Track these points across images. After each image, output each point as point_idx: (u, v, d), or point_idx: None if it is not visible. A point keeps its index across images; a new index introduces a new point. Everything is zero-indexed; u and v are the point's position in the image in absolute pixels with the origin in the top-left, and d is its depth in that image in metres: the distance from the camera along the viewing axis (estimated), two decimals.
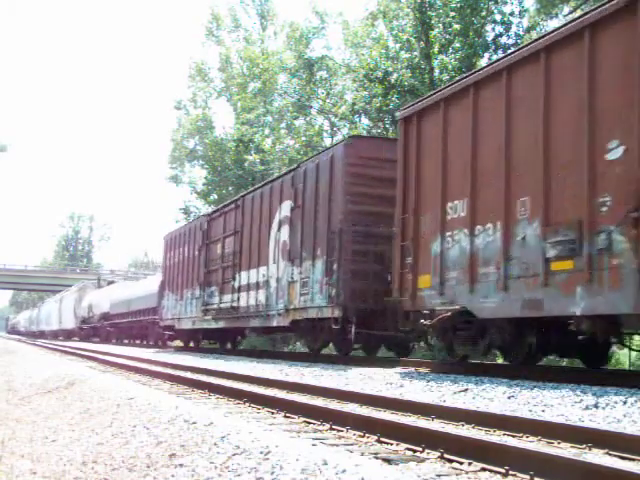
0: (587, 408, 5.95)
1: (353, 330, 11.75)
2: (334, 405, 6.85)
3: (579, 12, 21.84)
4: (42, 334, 64.31)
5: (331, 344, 14.66)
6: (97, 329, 41.45)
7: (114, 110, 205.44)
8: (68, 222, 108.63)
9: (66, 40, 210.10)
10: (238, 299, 16.81)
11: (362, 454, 4.44)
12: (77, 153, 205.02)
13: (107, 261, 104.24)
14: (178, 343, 26.85)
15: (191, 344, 24.25)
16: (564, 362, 13.80)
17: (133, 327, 33.36)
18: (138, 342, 34.86)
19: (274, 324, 14.99)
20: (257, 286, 15.74)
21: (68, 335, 51.52)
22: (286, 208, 14.51)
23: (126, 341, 37.26)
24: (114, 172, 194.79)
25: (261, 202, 16.14)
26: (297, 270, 13.70)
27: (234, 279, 17.23)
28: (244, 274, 16.67)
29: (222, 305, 18.03)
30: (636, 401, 5.89)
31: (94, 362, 16.57)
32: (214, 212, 20.22)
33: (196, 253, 20.72)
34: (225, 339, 22.20)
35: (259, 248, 15.86)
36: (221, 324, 18.44)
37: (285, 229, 14.51)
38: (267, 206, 15.68)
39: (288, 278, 14.06)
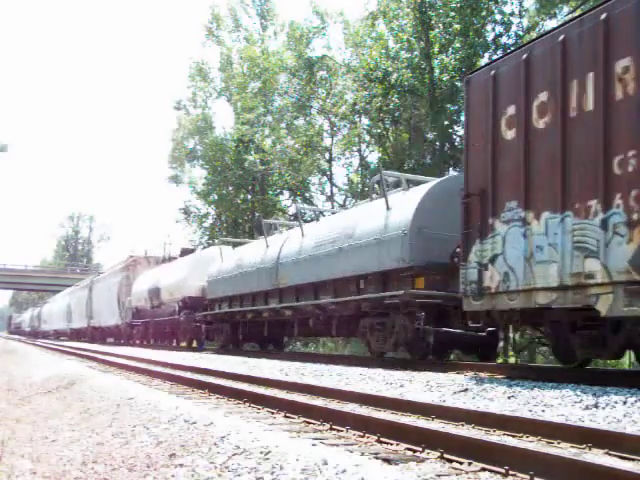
0: (587, 408, 5.95)
1: None
2: (334, 405, 6.85)
3: (579, 12, 21.85)
4: (56, 334, 52.40)
5: None
6: (167, 325, 26.20)
7: (114, 110, 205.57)
8: (68, 222, 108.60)
9: (66, 40, 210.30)
10: None
11: (362, 454, 4.44)
12: (77, 153, 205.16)
13: (107, 261, 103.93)
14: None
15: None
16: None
17: (325, 320, 14.61)
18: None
19: None
20: None
21: (103, 336, 37.58)
22: None
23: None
24: (114, 172, 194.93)
25: None
26: None
27: None
28: None
29: None
30: (636, 401, 5.89)
31: (94, 362, 16.57)
32: None
33: None
34: None
35: None
36: None
37: None
38: None
39: None
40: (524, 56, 8.49)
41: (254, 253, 18.15)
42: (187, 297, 23.46)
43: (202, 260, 23.54)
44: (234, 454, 4.40)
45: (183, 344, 25.68)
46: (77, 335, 44.16)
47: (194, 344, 24.35)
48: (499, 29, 24.45)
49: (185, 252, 28.32)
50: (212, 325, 21.19)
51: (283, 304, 15.91)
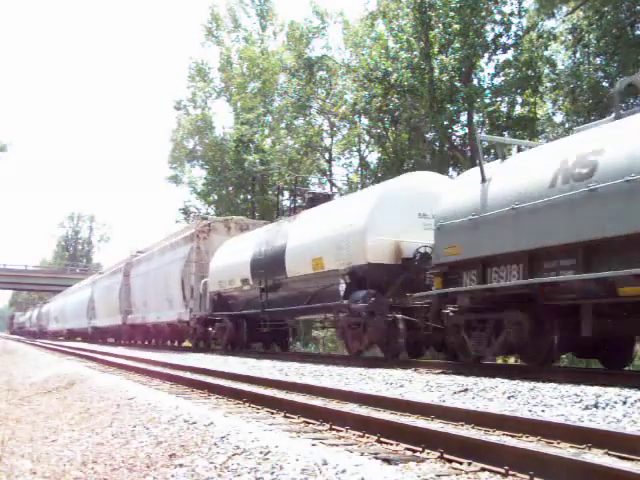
0: (587, 408, 5.95)
1: None
2: (334, 405, 6.85)
3: (579, 12, 21.87)
4: (71, 334, 43.92)
5: None
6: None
7: (114, 110, 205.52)
8: (68, 222, 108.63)
9: (66, 40, 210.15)
10: None
11: (362, 454, 4.44)
12: (77, 153, 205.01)
13: (107, 262, 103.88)
14: None
15: None
16: (563, 362, 13.79)
17: None
18: None
19: None
20: None
21: (147, 336, 28.34)
22: None
23: None
24: (114, 172, 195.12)
25: None
26: None
27: None
28: None
29: None
30: (636, 401, 5.88)
31: (94, 362, 16.56)
32: None
33: None
34: None
35: None
36: None
37: None
38: None
39: None
40: None
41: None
42: (360, 266, 12.22)
43: (399, 194, 12.61)
44: (234, 454, 4.40)
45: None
46: (103, 335, 35.37)
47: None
48: (499, 29, 24.49)
49: (316, 200, 16.53)
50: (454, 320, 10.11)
51: None
